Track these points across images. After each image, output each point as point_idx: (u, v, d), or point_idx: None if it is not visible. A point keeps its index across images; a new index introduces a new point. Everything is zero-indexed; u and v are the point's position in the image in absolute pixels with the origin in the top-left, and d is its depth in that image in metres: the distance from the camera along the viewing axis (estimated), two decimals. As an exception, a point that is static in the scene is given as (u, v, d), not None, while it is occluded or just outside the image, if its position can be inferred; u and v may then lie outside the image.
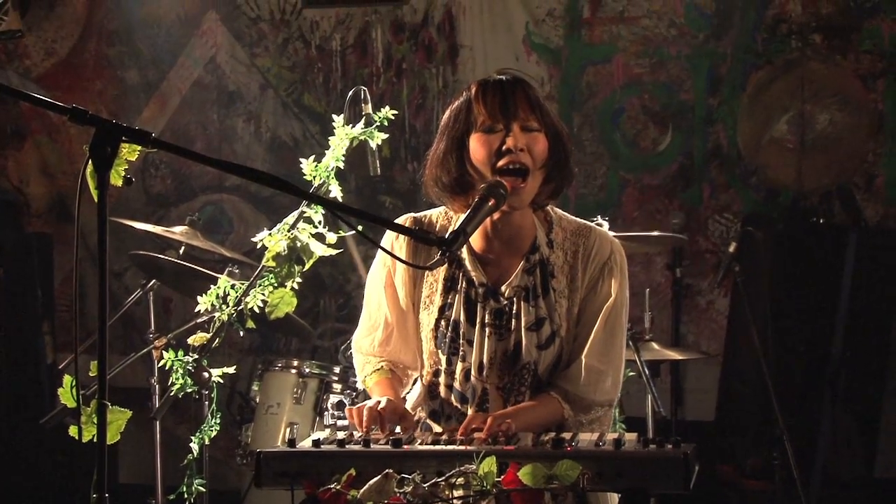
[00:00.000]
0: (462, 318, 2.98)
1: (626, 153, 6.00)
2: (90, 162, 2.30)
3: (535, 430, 2.83)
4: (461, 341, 2.98)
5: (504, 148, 2.86)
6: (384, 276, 3.08)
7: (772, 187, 5.85)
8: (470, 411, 2.96)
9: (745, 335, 5.07)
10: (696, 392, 5.80)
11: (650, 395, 4.62)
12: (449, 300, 2.99)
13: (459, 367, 2.98)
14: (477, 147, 2.89)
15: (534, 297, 2.96)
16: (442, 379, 3.01)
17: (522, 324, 2.95)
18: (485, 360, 2.96)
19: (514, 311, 2.96)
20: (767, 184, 5.86)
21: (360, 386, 3.21)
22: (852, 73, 5.76)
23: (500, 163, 2.87)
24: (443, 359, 3.00)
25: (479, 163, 2.89)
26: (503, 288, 2.97)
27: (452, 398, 3.00)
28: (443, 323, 2.99)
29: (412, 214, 3.09)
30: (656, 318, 5.14)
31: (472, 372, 2.96)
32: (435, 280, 3.01)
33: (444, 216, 3.07)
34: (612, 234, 4.28)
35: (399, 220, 3.07)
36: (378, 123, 3.63)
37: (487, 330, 2.97)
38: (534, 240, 2.99)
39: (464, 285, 2.98)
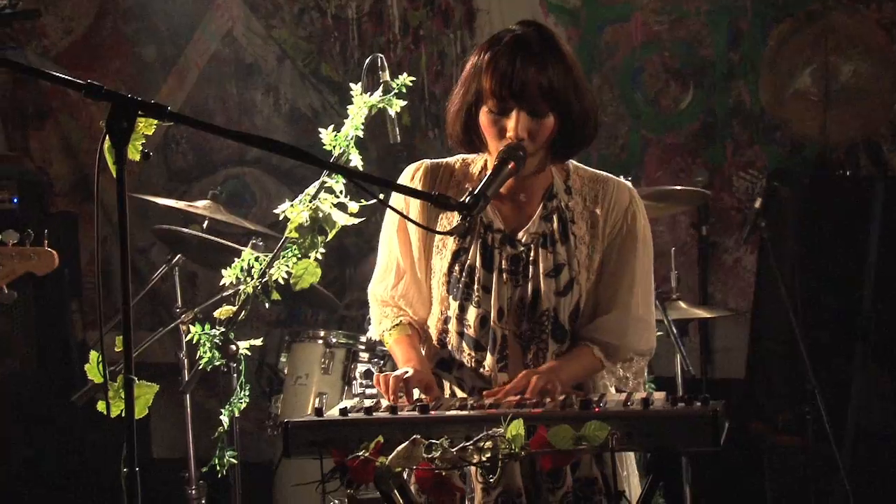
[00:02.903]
0: (478, 263, 2.96)
1: (647, 112, 5.96)
2: (107, 137, 2.30)
3: (579, 381, 2.83)
4: (475, 287, 2.96)
5: (507, 135, 2.85)
6: (397, 221, 3.06)
7: (796, 141, 5.80)
8: (488, 358, 2.94)
9: (774, 291, 5.04)
10: (725, 350, 5.78)
11: (679, 355, 4.61)
12: (464, 245, 2.98)
13: (473, 313, 2.96)
14: (484, 123, 2.90)
15: (552, 243, 2.95)
16: (452, 326, 2.99)
17: (541, 270, 2.94)
18: (504, 306, 2.95)
19: (531, 258, 2.95)
20: (792, 138, 5.80)
21: (374, 336, 3.18)
22: (876, 23, 5.68)
23: (500, 149, 2.86)
24: (454, 305, 2.98)
25: (484, 134, 2.91)
26: (520, 234, 2.96)
27: (464, 345, 2.98)
28: (456, 268, 2.97)
29: (428, 161, 3.08)
30: (683, 277, 5.12)
31: (492, 317, 2.95)
32: (449, 224, 2.99)
33: (461, 162, 3.06)
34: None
35: (414, 166, 3.07)
36: (396, 91, 3.62)
37: (504, 276, 2.95)
38: (551, 187, 2.98)
39: (481, 230, 2.97)
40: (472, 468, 2.82)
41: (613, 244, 2.98)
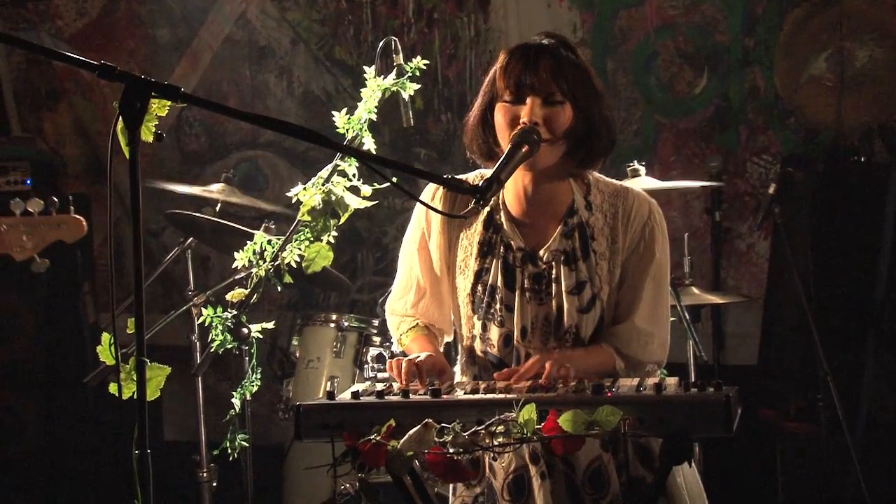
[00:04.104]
0: (500, 283, 2.95)
1: (661, 97, 5.93)
2: (120, 118, 2.30)
3: (589, 376, 2.83)
4: (498, 306, 2.95)
5: (520, 121, 2.85)
6: (418, 238, 3.07)
7: (811, 127, 5.77)
8: None
9: (787, 277, 5.03)
10: (737, 336, 5.76)
11: (691, 341, 4.60)
12: (486, 265, 2.98)
13: (496, 332, 2.96)
14: (499, 119, 2.89)
15: (573, 260, 2.94)
16: (477, 345, 3.00)
17: (563, 288, 2.93)
18: (528, 325, 2.94)
19: (553, 276, 2.94)
20: (806, 124, 5.77)
21: (395, 348, 3.22)
22: (892, 8, 5.64)
23: (513, 132, 2.85)
24: (478, 324, 2.98)
25: (499, 132, 2.90)
26: (542, 252, 2.95)
27: (489, 364, 2.99)
28: (479, 288, 2.97)
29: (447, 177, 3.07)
30: (696, 262, 5.10)
31: (516, 336, 2.94)
32: (470, 244, 3.00)
33: (479, 178, 3.05)
34: (651, 180, 4.27)
35: (432, 188, 3.06)
36: (409, 74, 3.60)
37: (527, 295, 2.95)
38: (571, 203, 2.96)
39: (501, 250, 2.96)
40: (498, 485, 2.83)
41: (631, 258, 2.97)
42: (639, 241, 2.97)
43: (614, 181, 3.06)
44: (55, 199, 3.22)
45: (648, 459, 2.90)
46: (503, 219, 2.97)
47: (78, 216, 3.16)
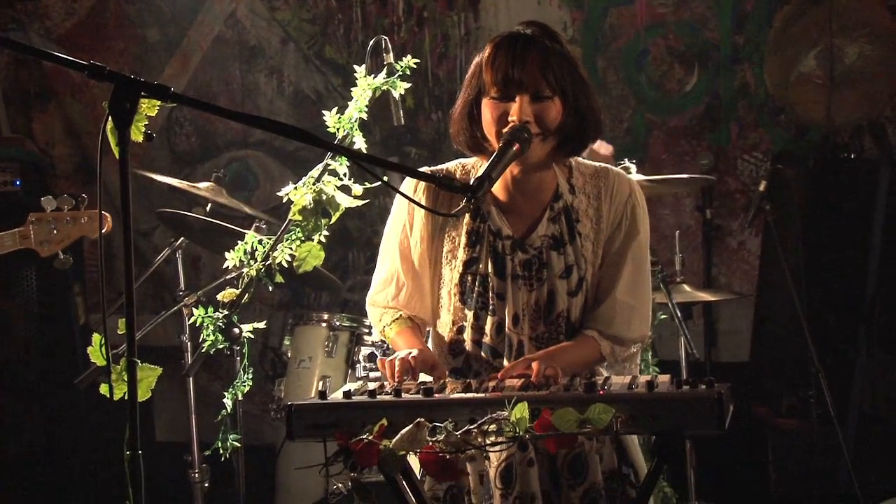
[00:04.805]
0: (490, 271, 2.95)
1: (651, 95, 5.94)
2: (110, 119, 2.29)
3: (576, 369, 2.82)
4: (490, 295, 2.95)
5: (509, 119, 2.84)
6: (399, 231, 3.07)
7: (801, 124, 5.78)
8: (505, 364, 2.94)
9: (778, 274, 5.03)
10: (729, 333, 5.77)
11: (683, 338, 4.60)
12: (475, 254, 2.97)
13: (489, 321, 2.96)
14: (485, 113, 2.89)
15: (562, 244, 2.94)
16: (468, 335, 2.99)
17: (555, 272, 2.93)
18: (519, 312, 2.94)
19: (544, 261, 2.94)
20: (797, 121, 5.78)
21: (376, 337, 3.21)
22: (881, 5, 5.65)
23: (504, 130, 2.85)
24: (468, 314, 2.98)
25: (487, 129, 2.89)
26: (532, 238, 2.95)
27: (482, 353, 2.98)
28: (469, 278, 2.97)
29: (427, 168, 3.07)
30: (687, 260, 5.11)
31: (507, 324, 2.94)
32: (457, 234, 2.99)
33: (461, 169, 3.05)
34: (642, 177, 4.29)
35: (413, 180, 3.06)
36: (400, 73, 3.60)
37: (518, 282, 2.95)
38: (556, 188, 2.97)
39: (489, 238, 2.96)
40: (492, 474, 2.83)
41: (613, 236, 2.98)
42: (621, 219, 2.99)
43: (593, 163, 3.06)
44: (84, 196, 3.26)
45: (621, 451, 2.91)
46: (490, 207, 2.97)
47: (104, 212, 3.17)
